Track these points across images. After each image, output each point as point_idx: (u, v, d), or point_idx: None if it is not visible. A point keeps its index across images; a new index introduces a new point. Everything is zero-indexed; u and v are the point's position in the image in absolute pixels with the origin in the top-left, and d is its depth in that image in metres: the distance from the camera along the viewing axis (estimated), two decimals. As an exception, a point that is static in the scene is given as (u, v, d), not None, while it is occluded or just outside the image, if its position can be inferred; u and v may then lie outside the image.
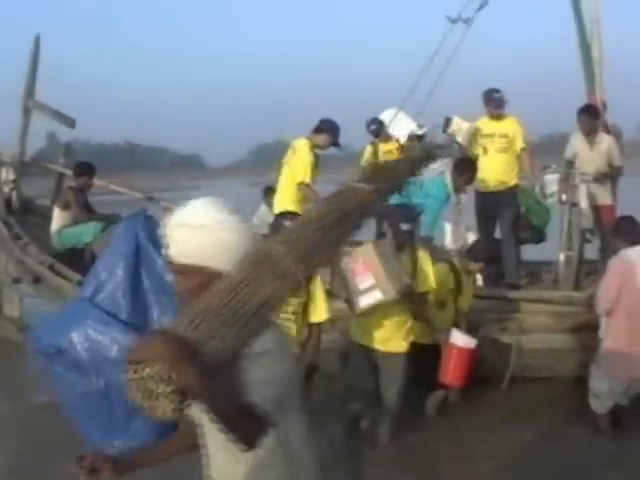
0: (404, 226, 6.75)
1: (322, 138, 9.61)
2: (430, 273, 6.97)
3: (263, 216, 12.68)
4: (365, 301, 6.41)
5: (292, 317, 5.76)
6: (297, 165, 9.48)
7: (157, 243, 4.50)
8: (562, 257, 9.26)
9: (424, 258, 6.99)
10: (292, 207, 9.66)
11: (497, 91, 10.30)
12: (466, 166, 9.51)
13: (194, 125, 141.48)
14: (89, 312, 4.46)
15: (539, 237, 10.03)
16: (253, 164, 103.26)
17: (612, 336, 6.80)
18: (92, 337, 4.36)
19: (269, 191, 12.75)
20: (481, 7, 10.12)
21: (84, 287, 4.62)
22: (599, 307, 6.92)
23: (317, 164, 9.73)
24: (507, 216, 10.01)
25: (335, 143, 9.69)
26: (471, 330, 7.82)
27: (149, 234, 4.64)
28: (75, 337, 4.37)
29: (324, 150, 9.76)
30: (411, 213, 7.21)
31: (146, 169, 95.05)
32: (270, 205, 12.42)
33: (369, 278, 6.34)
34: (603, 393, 6.90)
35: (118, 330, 4.34)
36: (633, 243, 6.83)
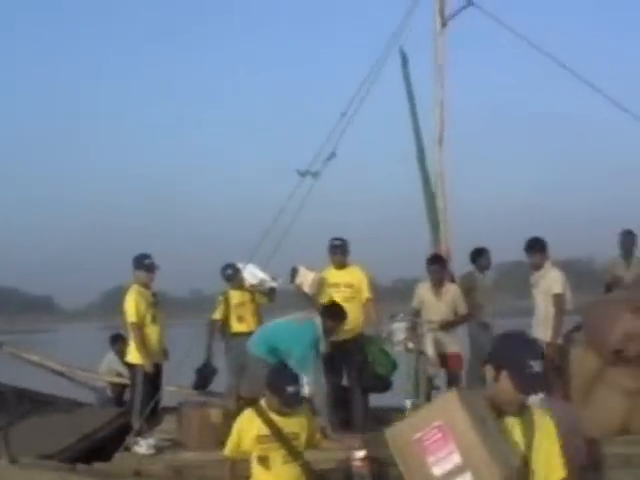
0: (290, 389, 6.20)
1: (137, 274, 9.83)
2: None
3: (112, 364, 12.38)
4: None
5: None
6: (125, 308, 9.65)
7: None
8: (409, 404, 9.28)
9: None
10: (133, 355, 9.63)
11: (340, 239, 10.42)
12: (336, 310, 9.27)
13: (46, 265, 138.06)
14: None
15: (384, 386, 10.04)
16: (105, 307, 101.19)
17: None
18: None
19: (117, 339, 12.47)
20: (329, 158, 10.46)
21: None
22: None
23: (152, 302, 9.83)
24: (353, 364, 10.07)
25: (145, 268, 9.79)
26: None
27: None
28: None
29: (150, 282, 9.89)
30: (295, 374, 6.62)
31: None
32: (118, 353, 12.13)
33: (452, 455, 3.79)
34: None
35: None
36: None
